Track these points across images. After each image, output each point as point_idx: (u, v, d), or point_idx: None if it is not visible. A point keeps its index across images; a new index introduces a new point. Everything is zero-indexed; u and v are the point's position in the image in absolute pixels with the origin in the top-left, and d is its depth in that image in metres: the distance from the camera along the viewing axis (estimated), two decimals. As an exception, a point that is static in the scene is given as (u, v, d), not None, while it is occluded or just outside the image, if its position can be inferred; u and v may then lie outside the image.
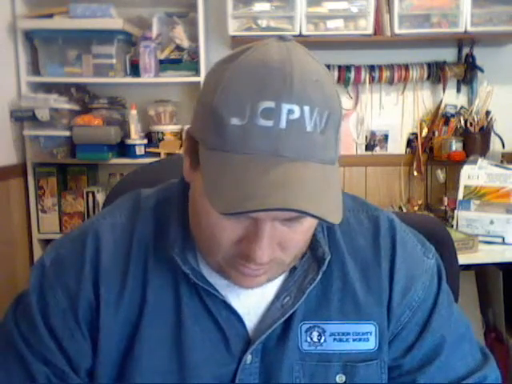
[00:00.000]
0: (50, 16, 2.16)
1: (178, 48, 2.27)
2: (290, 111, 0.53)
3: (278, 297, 0.67)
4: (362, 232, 0.71)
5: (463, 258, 1.54)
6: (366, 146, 2.45)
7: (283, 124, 0.53)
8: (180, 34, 2.24)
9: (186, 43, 2.25)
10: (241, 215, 0.54)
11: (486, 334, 2.15)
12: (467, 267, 1.97)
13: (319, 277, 0.66)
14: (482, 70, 2.35)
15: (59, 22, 2.15)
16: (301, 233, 0.59)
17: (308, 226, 0.59)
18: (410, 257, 0.71)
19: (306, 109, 0.53)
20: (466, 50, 2.37)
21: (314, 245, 0.67)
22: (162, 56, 2.27)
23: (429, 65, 2.37)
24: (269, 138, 0.53)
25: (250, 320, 0.67)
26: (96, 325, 0.64)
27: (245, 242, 0.57)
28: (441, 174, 2.38)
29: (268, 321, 0.66)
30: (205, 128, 0.56)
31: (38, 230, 2.31)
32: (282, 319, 0.65)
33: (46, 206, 2.30)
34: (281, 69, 0.54)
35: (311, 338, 0.67)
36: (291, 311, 0.65)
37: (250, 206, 0.50)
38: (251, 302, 0.67)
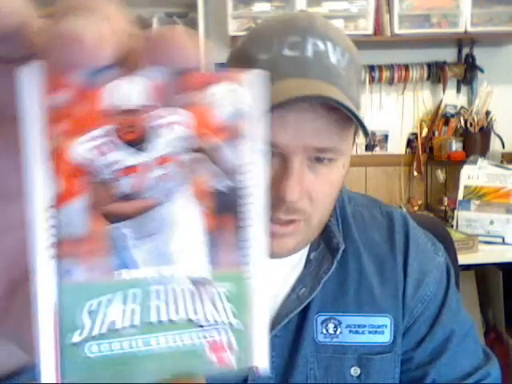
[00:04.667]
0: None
1: (178, 48, 2.27)
2: (315, 44, 0.56)
3: (294, 289, 0.68)
4: (377, 227, 0.73)
5: (463, 258, 1.55)
6: (366, 146, 2.45)
7: (309, 53, 0.56)
8: (180, 34, 2.24)
9: (186, 43, 2.25)
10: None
11: (486, 334, 2.15)
12: (467, 267, 1.97)
13: (334, 266, 0.67)
14: (482, 70, 2.35)
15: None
16: (327, 182, 0.59)
17: (334, 176, 0.60)
18: (422, 252, 0.72)
19: (329, 44, 0.57)
20: (466, 50, 2.37)
21: (327, 235, 0.68)
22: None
23: (429, 65, 2.36)
24: (296, 64, 0.55)
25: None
26: None
27: (274, 185, 0.56)
28: (441, 174, 2.38)
29: (284, 311, 0.66)
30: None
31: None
32: (299, 309, 0.66)
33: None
34: (304, 15, 0.59)
35: (327, 330, 0.68)
36: (307, 301, 0.66)
37: (285, 98, 0.51)
38: (271, 294, 0.67)
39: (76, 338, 0.18)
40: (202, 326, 0.19)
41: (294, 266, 0.68)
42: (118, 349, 0.18)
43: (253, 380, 0.65)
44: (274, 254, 0.62)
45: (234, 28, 2.15)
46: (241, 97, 0.19)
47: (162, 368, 0.19)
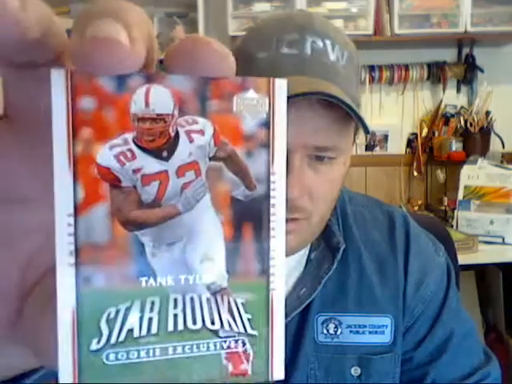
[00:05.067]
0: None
1: (178, 48, 2.27)
2: (314, 42, 0.56)
3: (294, 289, 0.68)
4: (377, 226, 0.73)
5: (463, 258, 1.55)
6: (366, 146, 2.45)
7: (308, 51, 0.56)
8: (180, 34, 2.24)
9: (186, 43, 2.25)
10: None
11: (486, 333, 2.15)
12: (467, 267, 1.97)
13: (334, 266, 0.67)
14: (482, 70, 2.35)
15: (60, 22, 2.15)
16: (327, 180, 0.59)
17: (334, 173, 0.60)
18: (422, 252, 0.73)
19: (328, 42, 0.57)
20: (466, 50, 2.37)
21: (328, 235, 0.68)
22: (162, 56, 2.26)
23: (429, 65, 2.36)
24: (295, 62, 0.55)
25: None
26: None
27: None
28: (441, 174, 2.38)
29: (285, 311, 0.66)
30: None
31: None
32: (299, 309, 0.66)
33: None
34: (303, 15, 0.59)
35: (327, 330, 0.68)
36: (308, 301, 0.66)
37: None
38: None
39: (94, 346, 0.18)
40: (219, 336, 0.19)
41: (294, 265, 0.68)
42: (135, 357, 0.18)
43: None
44: None
45: (233, 28, 2.15)
46: (264, 105, 0.19)
47: (179, 377, 0.19)
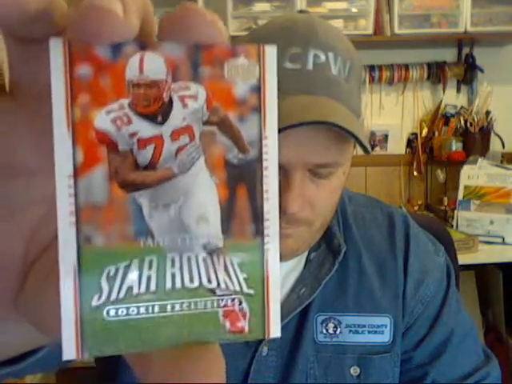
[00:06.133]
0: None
1: (178, 48, 2.27)
2: (316, 56, 0.56)
3: (294, 288, 0.68)
4: (377, 227, 0.73)
5: (463, 258, 1.55)
6: (366, 146, 2.45)
7: (310, 66, 0.56)
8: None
9: (186, 43, 2.25)
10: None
11: (486, 334, 2.15)
12: (467, 267, 1.97)
13: (335, 267, 0.67)
14: (482, 70, 2.36)
15: None
16: (328, 191, 0.60)
17: (335, 184, 0.60)
18: (422, 252, 0.73)
19: (331, 55, 0.57)
20: (465, 50, 2.37)
21: (329, 237, 0.68)
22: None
23: (429, 65, 2.37)
24: (298, 78, 0.56)
25: None
26: None
27: None
28: (441, 174, 2.38)
29: (284, 312, 0.66)
30: None
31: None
32: (299, 309, 0.66)
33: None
34: (305, 22, 0.59)
35: (327, 330, 0.68)
36: (307, 302, 0.66)
37: (288, 122, 0.52)
38: None
39: (95, 302, 0.18)
40: (216, 294, 0.20)
41: (293, 265, 0.69)
42: (134, 313, 0.19)
43: (253, 379, 0.65)
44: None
45: (234, 28, 2.15)
46: (255, 71, 0.20)
47: (177, 334, 0.19)
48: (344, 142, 0.58)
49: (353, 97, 0.59)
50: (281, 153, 0.55)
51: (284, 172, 0.57)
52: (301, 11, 0.65)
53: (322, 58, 0.56)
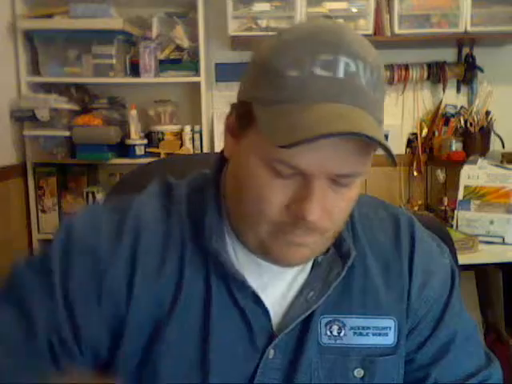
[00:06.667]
0: (50, 16, 2.16)
1: (178, 48, 2.27)
2: (347, 64, 0.55)
3: (302, 291, 0.67)
4: (383, 228, 0.73)
5: (463, 258, 1.54)
6: (366, 146, 2.45)
7: (341, 74, 0.55)
8: (180, 34, 2.24)
9: (186, 43, 2.25)
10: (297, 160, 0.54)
11: (486, 334, 2.15)
12: (467, 267, 1.97)
13: (344, 272, 0.66)
14: (481, 70, 2.35)
15: (59, 22, 2.15)
16: (347, 200, 0.60)
17: (354, 192, 0.60)
18: (427, 254, 0.72)
19: (360, 64, 0.56)
20: (465, 50, 2.37)
21: (338, 241, 0.67)
22: (162, 56, 2.27)
23: (429, 65, 2.37)
24: (328, 86, 0.55)
25: (275, 313, 0.67)
26: (122, 303, 0.63)
27: (295, 205, 0.57)
28: (441, 174, 2.38)
29: (291, 315, 0.66)
30: (259, 85, 0.58)
31: (38, 230, 2.31)
32: (306, 313, 0.65)
33: (45, 206, 2.30)
34: (333, 30, 0.58)
35: (331, 332, 0.67)
36: (316, 306, 0.66)
37: (318, 132, 0.51)
38: (277, 296, 0.67)
39: None
40: None
41: (300, 268, 0.68)
42: None
43: (259, 381, 0.65)
44: (290, 263, 0.63)
45: (234, 28, 2.15)
46: None
47: None
48: (368, 152, 0.57)
49: (378, 106, 0.58)
50: (302, 160, 0.54)
51: (304, 178, 0.56)
52: (326, 16, 0.65)
53: (353, 67, 0.55)
